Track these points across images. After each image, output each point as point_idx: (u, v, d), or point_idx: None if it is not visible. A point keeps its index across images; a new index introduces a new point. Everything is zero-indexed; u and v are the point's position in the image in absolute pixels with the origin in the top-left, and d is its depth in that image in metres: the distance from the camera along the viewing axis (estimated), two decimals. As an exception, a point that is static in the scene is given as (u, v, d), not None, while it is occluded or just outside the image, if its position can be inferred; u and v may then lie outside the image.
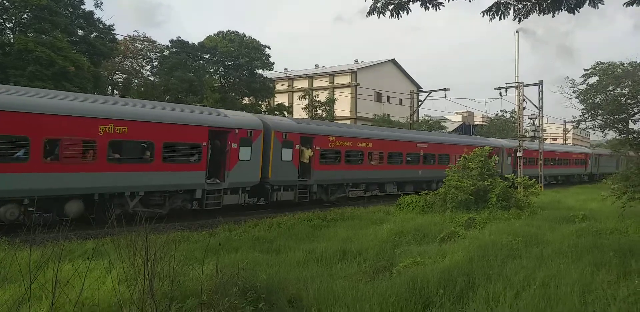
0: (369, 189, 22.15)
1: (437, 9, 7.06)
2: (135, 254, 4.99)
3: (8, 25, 24.45)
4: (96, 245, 8.06)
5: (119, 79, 37.94)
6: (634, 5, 7.03)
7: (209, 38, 37.78)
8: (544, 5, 6.98)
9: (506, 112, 57.88)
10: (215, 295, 4.93)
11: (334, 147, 19.25)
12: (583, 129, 48.15)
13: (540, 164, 30.26)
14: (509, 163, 31.10)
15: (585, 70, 35.84)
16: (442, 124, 53.02)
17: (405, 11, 7.12)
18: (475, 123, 68.35)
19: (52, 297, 4.18)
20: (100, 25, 27.37)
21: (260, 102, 38.93)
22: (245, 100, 38.81)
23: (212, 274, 5.65)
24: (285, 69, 56.59)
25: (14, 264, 5.29)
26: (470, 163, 17.11)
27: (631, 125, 35.46)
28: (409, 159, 23.46)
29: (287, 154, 17.26)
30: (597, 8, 6.74)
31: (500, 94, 29.19)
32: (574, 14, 6.87)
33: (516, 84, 28.36)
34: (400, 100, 52.10)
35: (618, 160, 49.50)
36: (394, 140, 22.99)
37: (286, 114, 39.05)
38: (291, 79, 53.52)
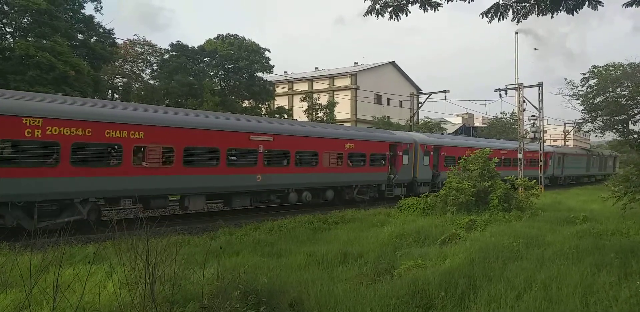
0: (150, 205, 14.00)
1: (436, 10, 7.08)
2: (136, 258, 5.00)
3: (8, 30, 24.54)
4: (97, 249, 8.05)
5: (119, 83, 38.09)
6: (634, 6, 7.04)
7: (208, 41, 37.90)
8: (543, 6, 7.00)
9: (506, 114, 58.02)
10: (216, 299, 4.92)
11: (39, 137, 11.20)
12: (586, 132, 46.45)
13: (541, 165, 30.21)
14: (427, 164, 24.03)
15: (582, 74, 35.91)
16: (442, 125, 53.08)
17: (404, 13, 7.13)
18: (476, 125, 68.44)
19: (53, 302, 4.17)
20: (100, 30, 27.46)
21: (260, 105, 38.99)
22: (245, 103, 38.88)
23: (213, 277, 5.65)
24: (285, 72, 56.73)
25: (14, 268, 5.29)
26: (470, 165, 17.16)
27: (631, 126, 35.61)
28: (233, 158, 15.73)
29: None
30: (597, 9, 6.76)
31: (500, 95, 29.24)
32: (572, 15, 6.88)
33: (516, 86, 28.39)
34: (400, 102, 52.17)
35: (589, 160, 44.49)
36: (200, 128, 14.55)
37: (286, 117, 39.05)
38: (291, 81, 53.64)
